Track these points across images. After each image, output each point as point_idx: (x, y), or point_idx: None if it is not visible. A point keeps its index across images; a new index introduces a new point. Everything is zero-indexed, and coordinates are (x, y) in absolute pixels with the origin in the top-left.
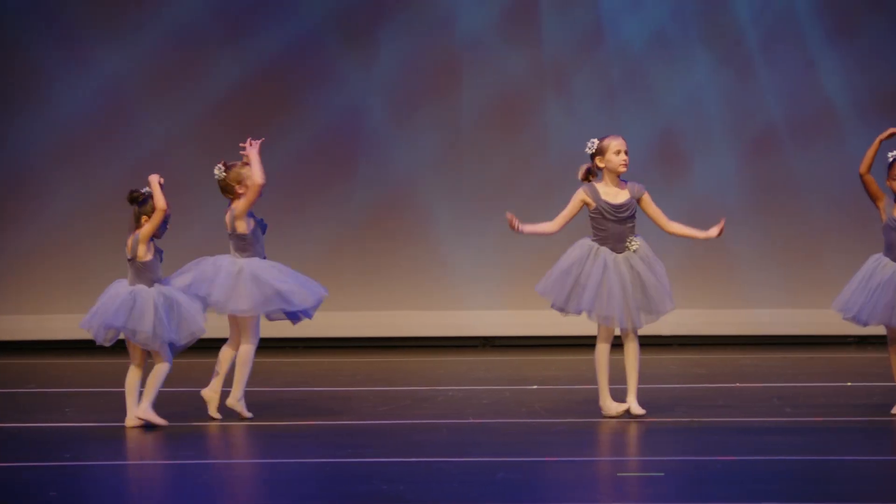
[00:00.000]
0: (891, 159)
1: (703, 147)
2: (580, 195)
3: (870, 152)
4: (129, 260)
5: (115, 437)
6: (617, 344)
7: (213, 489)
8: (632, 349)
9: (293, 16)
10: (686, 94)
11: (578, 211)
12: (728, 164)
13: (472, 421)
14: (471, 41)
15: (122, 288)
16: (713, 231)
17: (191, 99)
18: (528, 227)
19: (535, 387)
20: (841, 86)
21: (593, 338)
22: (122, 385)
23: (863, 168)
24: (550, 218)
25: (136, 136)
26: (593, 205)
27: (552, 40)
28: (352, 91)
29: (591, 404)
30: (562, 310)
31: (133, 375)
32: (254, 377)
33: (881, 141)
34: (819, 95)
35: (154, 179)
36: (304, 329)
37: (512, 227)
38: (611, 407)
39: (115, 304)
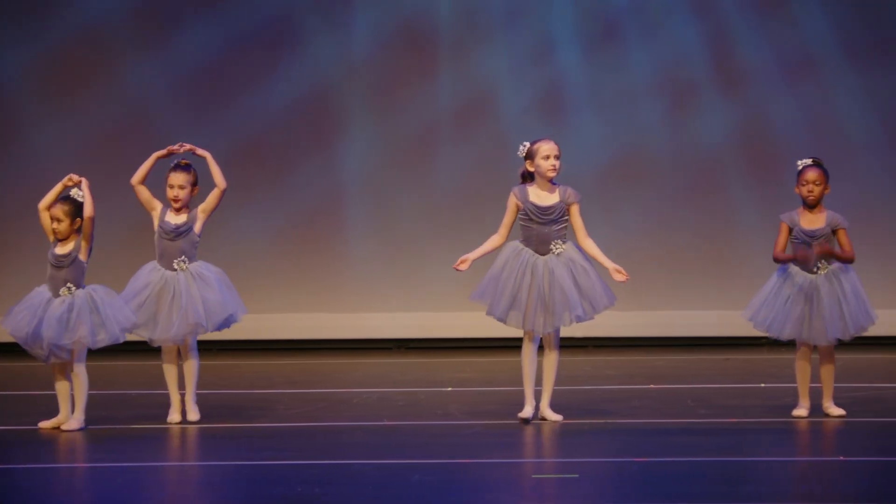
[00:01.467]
0: (800, 167)
1: (634, 154)
2: (511, 199)
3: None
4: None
5: (33, 441)
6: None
7: (129, 492)
8: (551, 355)
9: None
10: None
11: (517, 215)
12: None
13: (387, 423)
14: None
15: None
16: (614, 271)
17: (108, 102)
18: (476, 254)
19: (450, 389)
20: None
21: (508, 339)
22: (50, 388)
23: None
24: (486, 221)
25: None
26: (521, 206)
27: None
28: (275, 100)
29: (506, 406)
30: (493, 316)
31: (62, 384)
32: (158, 378)
33: None
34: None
35: (84, 183)
36: (218, 332)
37: (459, 268)
38: (528, 411)
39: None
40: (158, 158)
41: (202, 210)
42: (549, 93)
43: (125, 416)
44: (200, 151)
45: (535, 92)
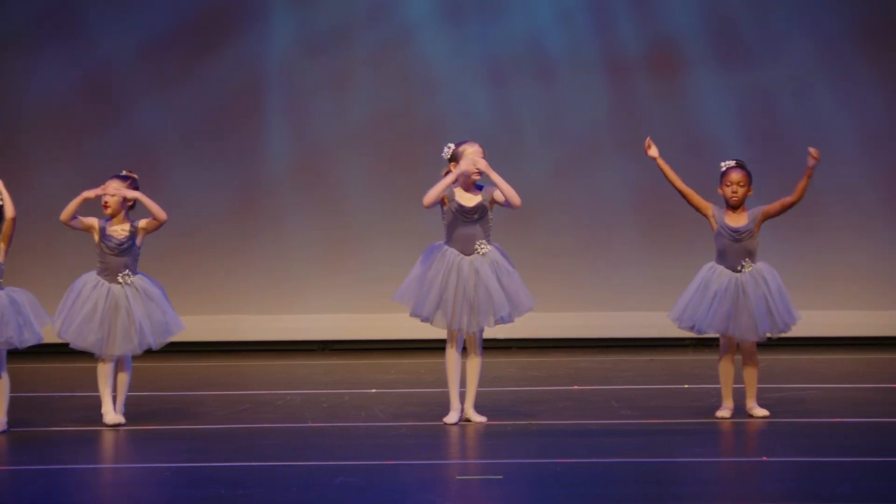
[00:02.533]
0: (723, 168)
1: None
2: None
3: (666, 173)
4: None
5: None
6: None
7: (50, 495)
8: (475, 357)
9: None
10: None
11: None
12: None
13: (311, 425)
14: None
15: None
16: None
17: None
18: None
19: (374, 391)
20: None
21: (432, 341)
22: None
23: (675, 185)
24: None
25: None
26: (447, 205)
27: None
28: (179, 103)
29: (430, 407)
30: (417, 316)
31: None
32: (92, 383)
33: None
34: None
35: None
36: None
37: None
38: (453, 417)
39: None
40: (86, 199)
41: (142, 228)
42: (468, 93)
43: (47, 418)
44: (131, 194)
45: (448, 95)
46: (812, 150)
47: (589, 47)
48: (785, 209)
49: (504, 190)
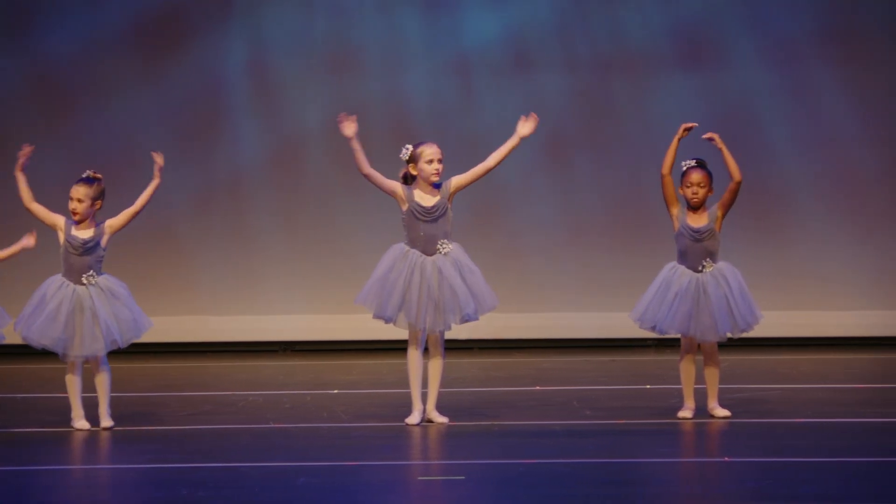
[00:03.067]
0: (685, 167)
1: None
2: (398, 186)
3: (670, 152)
4: None
5: None
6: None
7: (10, 497)
8: (437, 357)
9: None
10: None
11: (385, 187)
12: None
13: (273, 426)
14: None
15: None
16: (526, 128)
17: None
18: (356, 143)
19: (336, 391)
20: None
21: (394, 341)
22: None
23: (664, 168)
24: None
25: None
26: (406, 205)
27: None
28: (141, 103)
29: (393, 408)
30: (381, 318)
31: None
32: (52, 383)
33: (679, 139)
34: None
35: None
36: None
37: (342, 122)
38: (415, 417)
39: None
40: (21, 170)
41: (109, 226)
42: (435, 90)
43: (8, 420)
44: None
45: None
46: (708, 136)
47: (555, 46)
48: (735, 194)
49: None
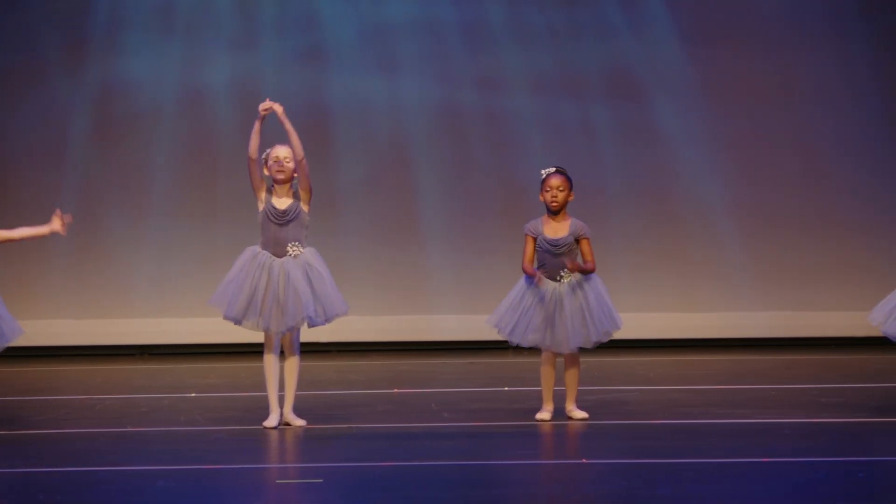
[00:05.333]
0: (543, 174)
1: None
2: (264, 186)
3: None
4: None
5: None
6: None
7: None
8: (292, 360)
9: None
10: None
11: (255, 181)
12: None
13: (131, 429)
14: None
15: None
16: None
17: None
18: (260, 125)
19: (193, 395)
20: None
21: (251, 345)
22: None
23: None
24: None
25: None
26: (262, 206)
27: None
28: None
29: (250, 411)
30: (230, 319)
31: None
32: None
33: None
34: None
35: None
36: None
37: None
38: (273, 420)
39: None
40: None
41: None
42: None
43: None
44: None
45: None
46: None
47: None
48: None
49: (292, 137)
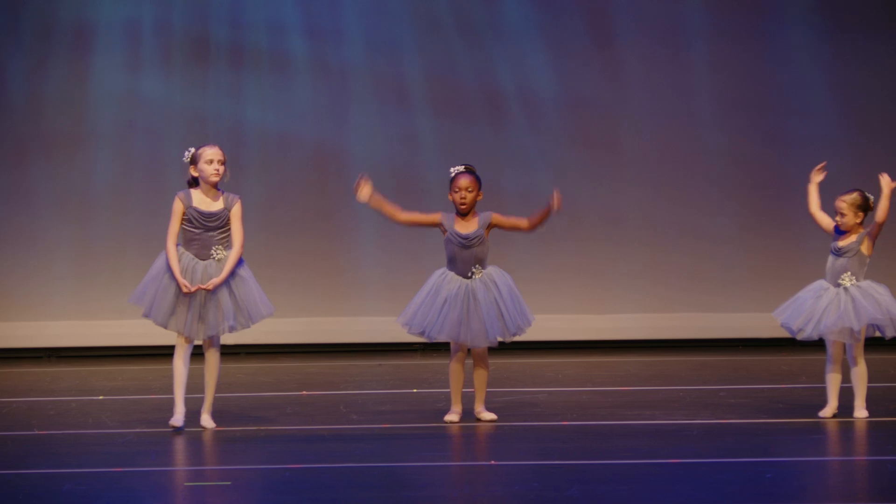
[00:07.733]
0: (452, 174)
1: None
2: (176, 202)
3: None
4: None
5: None
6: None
7: None
8: (212, 361)
9: None
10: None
11: (181, 219)
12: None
13: (37, 432)
14: None
15: None
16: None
17: None
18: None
19: (101, 397)
20: None
21: (161, 347)
22: None
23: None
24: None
25: None
26: (183, 210)
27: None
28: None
29: (159, 413)
30: (153, 320)
31: None
32: None
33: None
34: None
35: None
36: None
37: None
38: (178, 419)
39: None
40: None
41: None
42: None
43: None
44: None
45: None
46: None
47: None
48: (512, 229)
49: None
